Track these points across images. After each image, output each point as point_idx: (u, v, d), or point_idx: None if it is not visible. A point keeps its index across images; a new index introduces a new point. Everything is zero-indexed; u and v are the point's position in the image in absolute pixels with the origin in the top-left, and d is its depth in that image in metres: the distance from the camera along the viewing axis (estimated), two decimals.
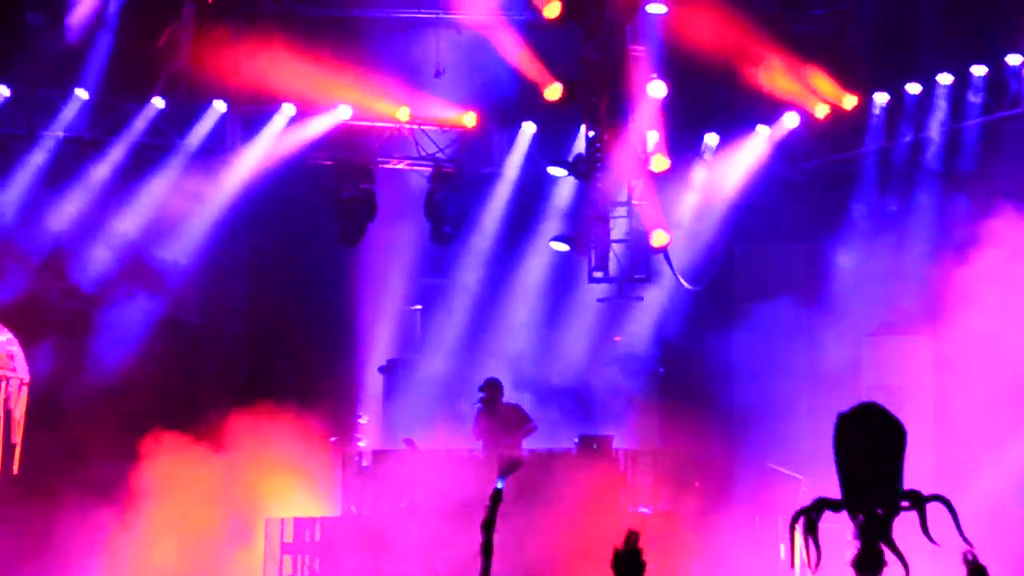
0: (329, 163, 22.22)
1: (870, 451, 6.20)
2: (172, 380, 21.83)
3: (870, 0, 19.00)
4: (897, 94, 20.33)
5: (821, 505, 6.31)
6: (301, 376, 22.22)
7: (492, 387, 19.70)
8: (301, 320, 22.54)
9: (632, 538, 5.91)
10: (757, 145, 22.01)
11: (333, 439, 21.15)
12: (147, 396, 21.00)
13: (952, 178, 19.86)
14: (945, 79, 19.62)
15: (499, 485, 9.33)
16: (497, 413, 19.49)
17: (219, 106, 21.61)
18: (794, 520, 6.26)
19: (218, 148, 21.86)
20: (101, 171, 21.20)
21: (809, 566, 6.31)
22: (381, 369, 22.76)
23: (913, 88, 20.13)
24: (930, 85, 19.87)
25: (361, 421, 22.38)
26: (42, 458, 20.24)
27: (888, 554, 6.25)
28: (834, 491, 6.72)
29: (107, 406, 20.71)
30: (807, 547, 6.21)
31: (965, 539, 6.15)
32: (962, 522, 6.24)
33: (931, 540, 6.20)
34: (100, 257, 21.20)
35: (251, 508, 20.07)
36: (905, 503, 6.31)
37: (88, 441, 20.37)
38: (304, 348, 22.64)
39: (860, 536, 6.34)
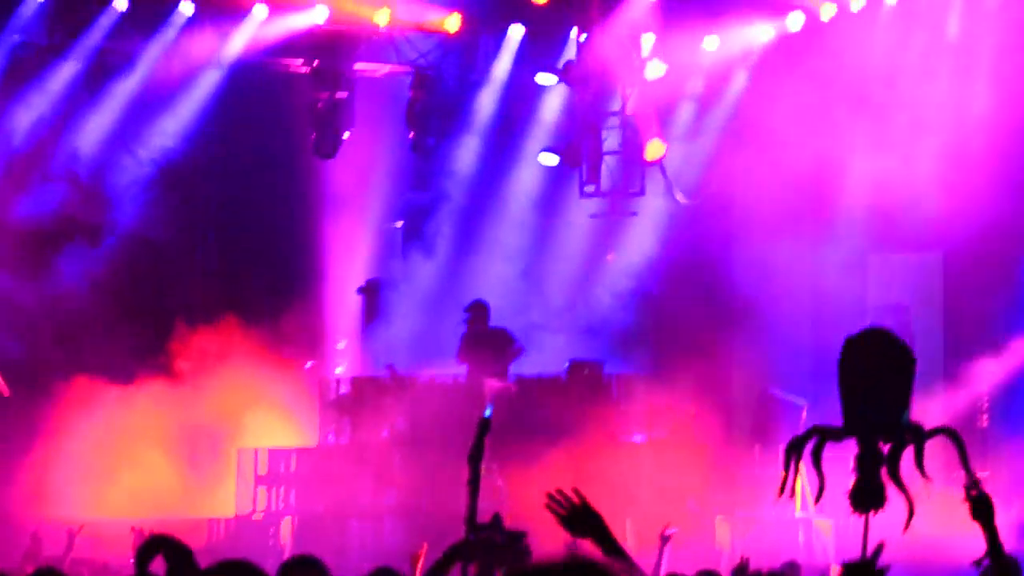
0: (304, 69, 21.93)
1: (876, 379, 6.06)
2: (139, 298, 21.69)
3: None
4: None
5: (817, 433, 6.18)
6: (274, 295, 22.01)
7: (478, 309, 19.56)
8: (273, 236, 22.32)
9: (575, 506, 5.65)
10: (760, 47, 21.65)
11: (309, 364, 21.06)
12: (115, 314, 20.85)
13: None
14: None
15: (487, 414, 9.21)
16: (483, 336, 19.38)
17: (185, 8, 21.30)
18: (789, 448, 6.14)
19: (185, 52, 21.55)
20: (61, 77, 20.91)
21: (792, 495, 6.18)
22: (360, 290, 22.57)
23: None
24: None
25: (339, 346, 22.26)
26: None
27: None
28: (838, 417, 6.57)
29: (78, 326, 20.59)
30: (795, 476, 6.08)
31: (971, 473, 6.03)
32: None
33: (924, 475, 6.08)
34: (61, 172, 21.00)
35: (222, 436, 20.01)
36: (908, 436, 6.17)
37: (57, 360, 20.29)
38: (277, 265, 22.47)
39: (858, 468, 6.20)
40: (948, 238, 19.58)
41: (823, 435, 6.20)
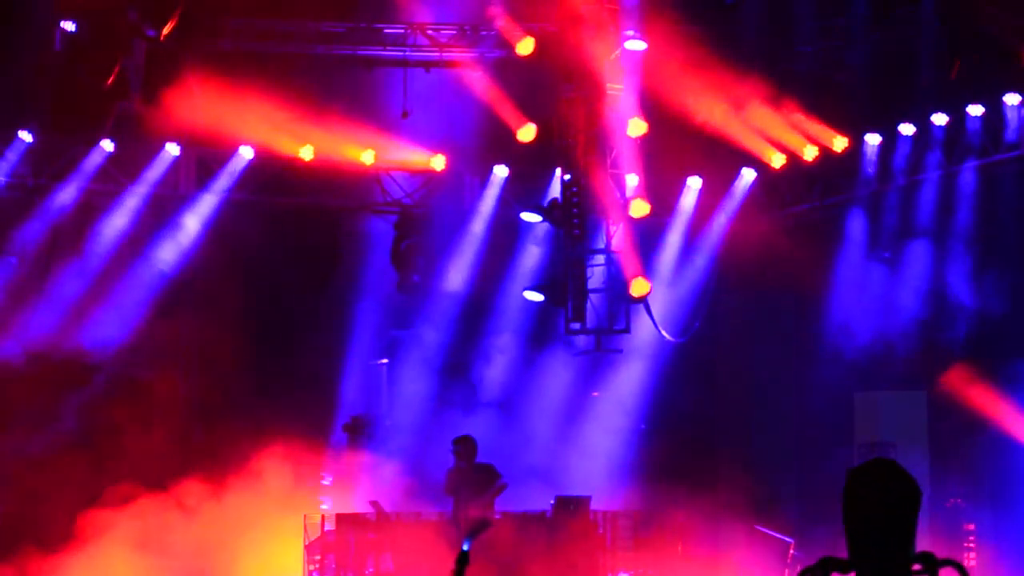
0: (290, 208, 22.04)
1: (881, 510, 6.00)
2: (124, 440, 21.51)
3: (861, 37, 18.92)
4: (890, 135, 20.26)
5: (827, 564, 6.10)
6: (259, 431, 21.91)
7: (465, 443, 19.49)
8: (258, 375, 22.27)
9: None
10: (742, 189, 21.94)
11: (327, 480, 20.95)
12: (101, 454, 20.69)
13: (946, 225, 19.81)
14: (940, 119, 19.56)
15: (465, 547, 9.13)
16: (469, 471, 19.27)
17: (172, 149, 21.44)
18: None
19: (172, 192, 21.66)
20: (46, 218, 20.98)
21: None
22: (344, 427, 22.50)
23: (906, 129, 20.06)
24: (925, 125, 19.82)
25: (324, 482, 22.10)
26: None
27: None
28: (827, 553, 6.52)
29: (68, 461, 20.43)
30: None
31: None
32: None
33: None
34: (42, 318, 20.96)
35: (209, 571, 19.78)
36: (917, 566, 6.11)
37: (46, 492, 20.11)
38: (261, 406, 22.37)
39: None
40: (933, 375, 19.61)
41: (832, 567, 6.11)
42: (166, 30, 20.02)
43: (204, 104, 20.81)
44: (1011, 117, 18.66)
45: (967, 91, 18.50)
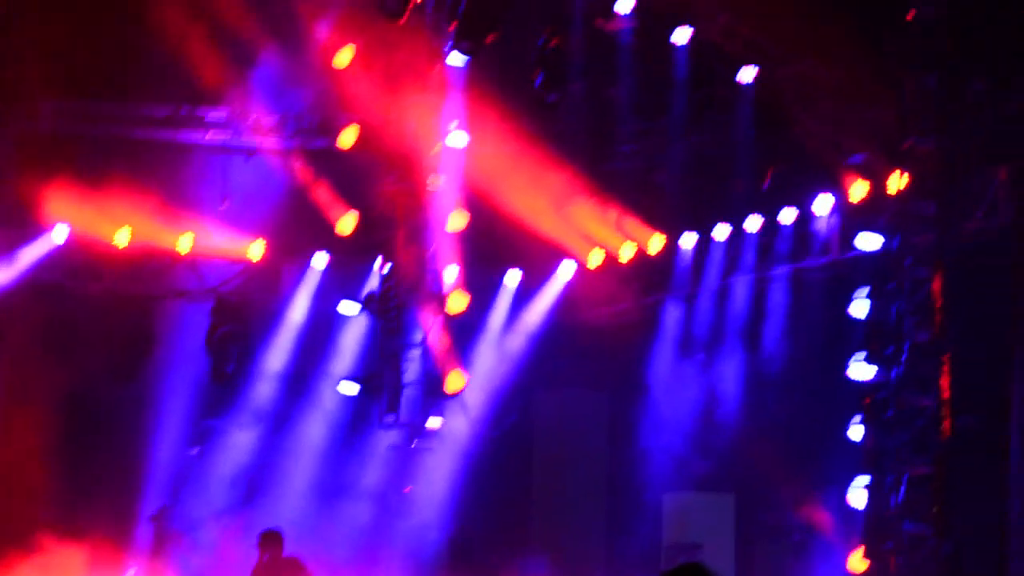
0: (102, 293, 21.73)
1: None
2: None
3: (680, 139, 19.25)
4: (705, 237, 20.58)
5: None
6: (63, 526, 21.45)
7: (271, 538, 19.22)
8: (64, 464, 21.82)
9: None
10: (560, 285, 22.11)
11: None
12: None
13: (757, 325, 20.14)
14: (754, 223, 19.92)
15: None
16: (275, 565, 18.99)
17: None
18: None
19: None
20: None
21: None
22: (151, 517, 22.13)
23: (721, 231, 20.40)
24: (739, 229, 20.18)
25: (128, 574, 21.69)
26: None
27: None
28: None
29: None
30: None
31: None
32: None
33: None
34: None
35: None
36: None
37: None
38: (69, 493, 21.91)
39: None
40: (741, 478, 19.84)
41: None
42: None
43: (18, 185, 20.51)
44: (821, 223, 19.07)
45: (780, 196, 18.89)
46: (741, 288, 20.27)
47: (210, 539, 21.93)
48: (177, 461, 22.89)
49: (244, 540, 20.59)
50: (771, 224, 19.68)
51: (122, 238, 21.28)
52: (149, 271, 21.94)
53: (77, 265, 21.85)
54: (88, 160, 20.83)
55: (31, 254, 21.41)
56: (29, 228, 21.26)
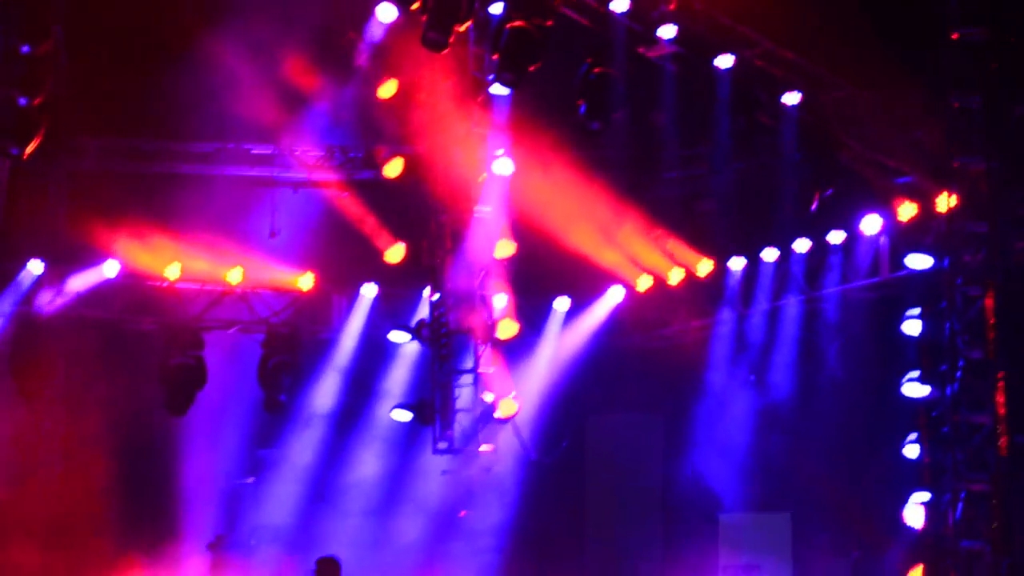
0: (155, 327, 21.89)
1: None
2: None
3: (725, 164, 19.30)
4: (753, 260, 20.63)
5: None
6: (125, 550, 21.64)
7: (327, 565, 19.32)
8: (122, 495, 21.99)
9: None
10: (609, 310, 22.19)
11: None
12: None
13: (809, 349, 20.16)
14: (802, 246, 19.96)
15: None
16: None
17: (35, 267, 21.23)
18: None
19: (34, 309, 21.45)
20: None
21: None
22: (208, 546, 22.28)
23: (769, 254, 20.44)
24: (787, 251, 20.21)
25: None
26: None
27: None
28: None
29: None
30: None
31: None
32: None
33: None
34: None
35: None
36: None
37: None
38: (127, 523, 22.08)
39: None
40: (796, 498, 19.87)
41: None
42: (29, 148, 19.88)
43: (68, 223, 20.67)
44: (868, 245, 19.11)
45: (828, 219, 18.92)
46: (792, 309, 20.32)
47: (266, 567, 22.07)
48: (232, 490, 23.04)
49: (300, 568, 20.72)
50: (820, 246, 19.72)
51: (173, 272, 21.45)
52: (200, 304, 22.10)
53: (129, 300, 22.02)
54: (138, 196, 20.98)
55: (84, 289, 21.59)
56: (81, 264, 21.44)
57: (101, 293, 21.93)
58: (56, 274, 21.61)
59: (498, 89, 19.19)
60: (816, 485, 19.29)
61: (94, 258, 21.31)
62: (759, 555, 20.65)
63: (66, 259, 21.35)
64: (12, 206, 20.47)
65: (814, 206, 18.18)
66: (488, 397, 20.73)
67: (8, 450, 21.45)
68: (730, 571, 20.30)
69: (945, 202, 17.41)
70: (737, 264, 20.85)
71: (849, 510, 19.44)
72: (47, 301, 21.64)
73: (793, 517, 20.50)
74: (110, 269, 21.42)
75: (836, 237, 19.39)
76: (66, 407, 21.92)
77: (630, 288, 21.82)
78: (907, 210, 18.05)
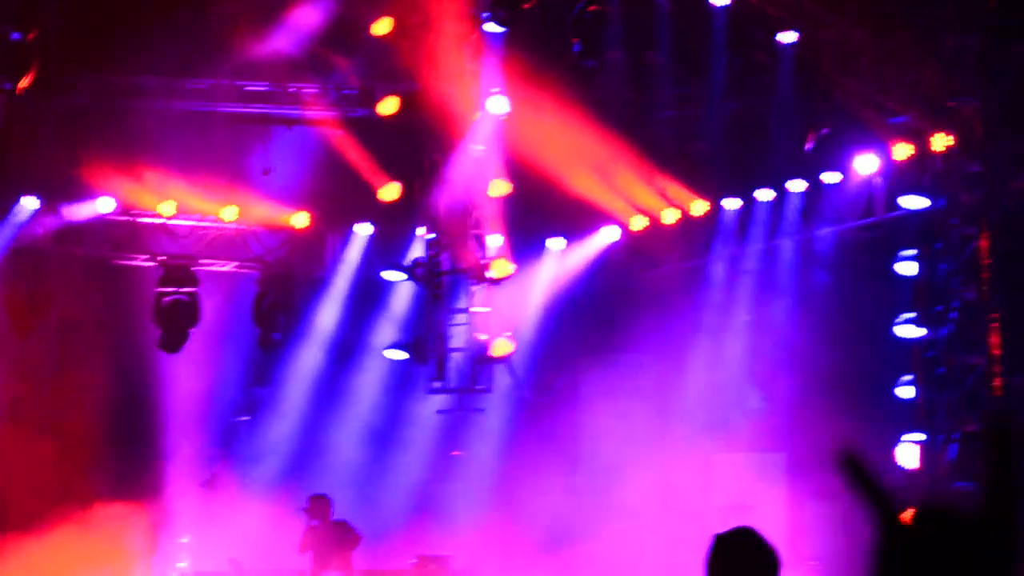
0: (149, 264, 21.85)
1: None
2: None
3: (720, 103, 19.21)
4: (748, 200, 20.57)
5: None
6: (117, 489, 21.64)
7: (318, 503, 19.37)
8: (117, 431, 22.00)
9: None
10: (603, 250, 22.15)
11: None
12: None
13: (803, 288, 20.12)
14: (797, 186, 19.90)
15: None
16: (325, 529, 19.16)
17: (29, 203, 21.17)
18: None
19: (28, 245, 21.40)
20: None
21: None
22: (203, 483, 22.31)
23: (764, 195, 20.38)
24: (782, 191, 20.15)
25: (182, 540, 21.86)
26: None
27: None
28: None
29: None
30: None
31: None
32: None
33: None
34: None
35: None
36: None
37: None
38: (120, 461, 22.09)
39: None
40: (790, 438, 19.87)
41: None
42: (23, 83, 19.77)
43: (63, 158, 20.59)
44: (863, 186, 19.04)
45: (823, 159, 18.84)
46: (786, 250, 20.27)
47: (260, 505, 22.09)
48: (227, 428, 23.06)
49: (294, 506, 20.75)
50: (814, 186, 19.66)
51: (167, 209, 21.40)
52: (195, 242, 22.05)
53: (123, 236, 21.97)
54: (132, 133, 20.90)
55: (78, 225, 21.54)
56: (76, 200, 21.37)
57: (95, 229, 21.90)
58: (50, 210, 21.55)
59: (492, 27, 19.08)
60: (810, 426, 19.28)
61: (88, 194, 21.25)
62: (752, 496, 20.68)
63: (60, 195, 21.29)
64: (6, 142, 20.38)
65: (809, 146, 18.11)
66: (482, 337, 20.71)
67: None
68: (723, 511, 20.31)
69: (941, 142, 17.36)
70: (732, 204, 20.80)
71: (843, 451, 19.38)
72: (41, 237, 21.60)
73: (787, 458, 20.51)
74: (104, 205, 21.37)
75: (831, 177, 19.32)
76: (59, 343, 21.91)
77: (624, 228, 21.78)
78: (902, 150, 17.98)
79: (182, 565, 21.37)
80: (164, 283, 21.87)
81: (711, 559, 6.28)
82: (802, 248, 20.04)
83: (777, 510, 20.33)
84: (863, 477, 4.95)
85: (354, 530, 19.24)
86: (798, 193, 19.93)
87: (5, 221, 21.29)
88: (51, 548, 19.54)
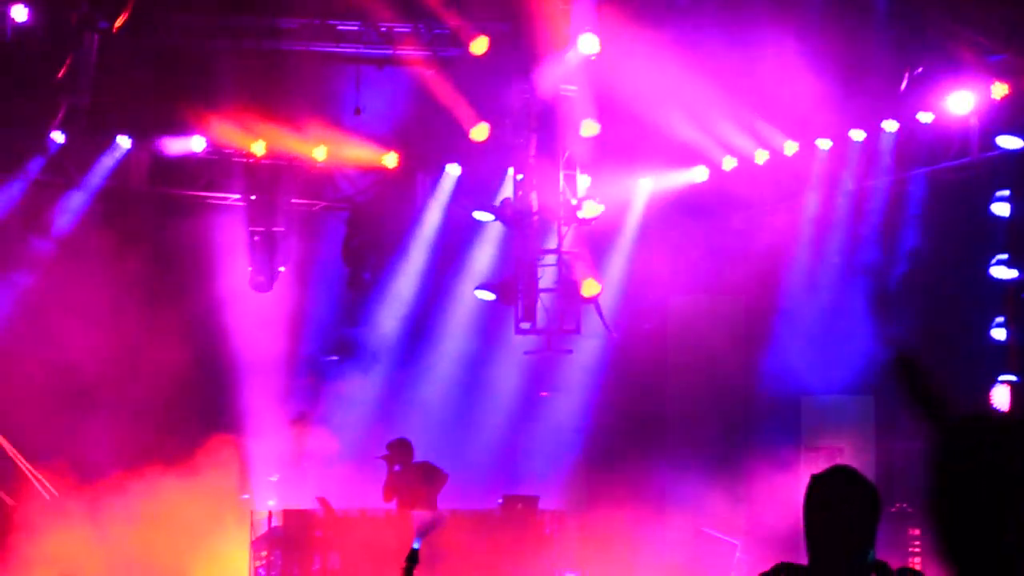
0: (240, 203, 21.91)
1: (844, 517, 6.00)
2: (63, 439, 21.28)
3: (815, 41, 18.94)
4: (840, 141, 20.31)
5: (783, 570, 6.09)
6: (205, 427, 21.78)
7: (399, 447, 19.37)
8: (208, 370, 22.12)
9: None
10: (693, 191, 21.97)
11: (245, 496, 20.78)
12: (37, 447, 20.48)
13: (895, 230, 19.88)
14: (890, 125, 19.62)
15: (415, 546, 9.17)
16: (407, 473, 19.18)
17: (123, 142, 21.27)
18: None
19: (123, 184, 21.53)
20: None
21: None
22: (292, 422, 22.40)
23: (857, 134, 20.12)
24: (875, 131, 19.87)
25: (271, 479, 21.98)
26: None
27: None
28: (774, 557, 6.52)
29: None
30: None
31: None
32: None
33: None
34: None
35: (154, 570, 19.62)
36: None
37: None
38: (210, 401, 22.22)
39: None
40: (880, 380, 19.67)
41: (789, 573, 6.09)
42: (118, 23, 19.84)
43: (156, 98, 20.67)
44: (958, 125, 18.74)
45: (918, 98, 18.55)
46: (879, 190, 20.02)
47: (347, 444, 22.17)
48: (316, 367, 23.13)
49: (382, 447, 20.80)
50: (908, 126, 19.37)
51: (258, 149, 21.44)
52: (285, 181, 22.09)
53: (215, 176, 22.05)
54: (224, 72, 20.93)
55: (170, 164, 21.65)
56: (166, 140, 21.46)
57: (187, 168, 21.99)
58: (143, 149, 21.65)
59: None
60: (901, 367, 19.07)
61: (181, 133, 21.33)
62: (842, 438, 20.53)
63: (153, 134, 21.38)
64: (101, 81, 20.49)
65: (903, 85, 17.84)
66: (571, 277, 20.59)
67: (92, 328, 21.58)
68: (812, 454, 20.18)
69: None
70: (824, 144, 20.55)
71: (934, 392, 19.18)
72: (134, 175, 21.71)
73: (876, 400, 20.33)
74: (197, 144, 21.44)
75: (925, 117, 19.02)
76: (150, 282, 22.04)
77: (715, 168, 21.58)
78: (999, 89, 17.67)
79: (271, 503, 21.49)
80: (255, 222, 21.92)
81: (808, 500, 6.15)
82: (895, 189, 19.79)
83: (866, 452, 20.17)
84: (915, 382, 4.82)
85: (440, 469, 19.26)
86: (891, 133, 19.65)
87: (99, 160, 21.42)
88: (147, 488, 19.72)
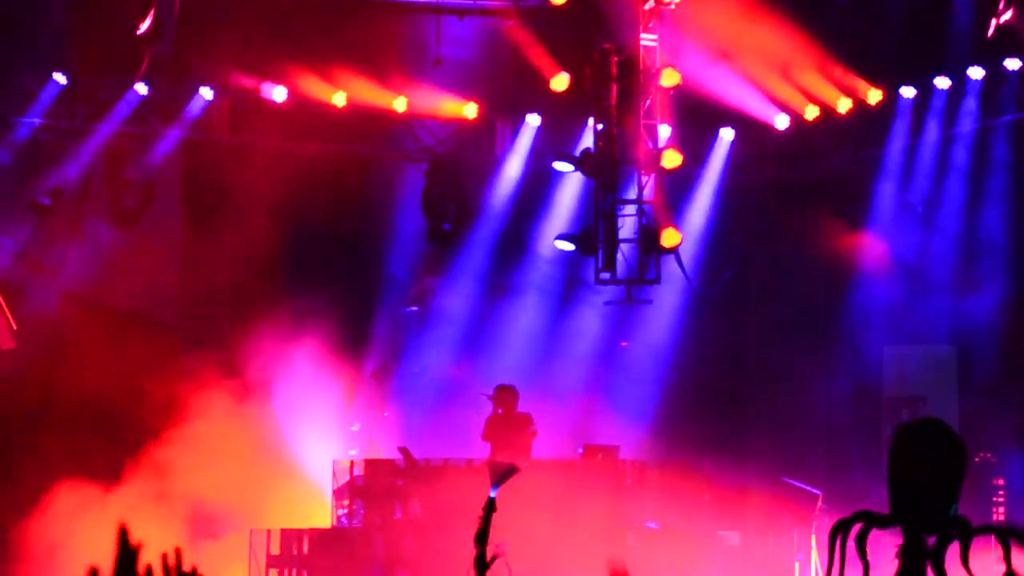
0: (322, 154, 21.91)
1: (930, 467, 5.88)
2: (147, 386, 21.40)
3: None
4: (925, 89, 20.02)
5: (864, 518, 5.98)
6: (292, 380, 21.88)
7: (506, 392, 19.39)
8: (287, 321, 22.16)
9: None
10: (776, 140, 21.74)
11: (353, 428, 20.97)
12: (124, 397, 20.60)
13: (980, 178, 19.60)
14: (976, 73, 19.31)
15: (492, 495, 9.14)
16: (508, 419, 19.21)
17: (206, 93, 21.30)
18: (835, 530, 5.93)
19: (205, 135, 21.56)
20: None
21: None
22: (373, 373, 22.42)
23: (942, 82, 19.82)
24: (961, 79, 19.56)
25: (352, 429, 22.05)
26: None
27: None
28: (856, 507, 6.41)
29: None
30: (840, 557, 5.89)
31: (1013, 573, 5.83)
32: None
33: (968, 572, 5.87)
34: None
35: (235, 514, 19.73)
36: (954, 531, 5.98)
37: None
38: (290, 351, 22.28)
39: (902, 558, 6.00)
40: (964, 330, 19.45)
41: (869, 521, 6.00)
42: None
43: (238, 49, 20.69)
44: None
45: (1004, 46, 18.25)
46: (963, 139, 19.74)
47: (431, 395, 22.20)
48: (397, 317, 23.14)
49: (462, 397, 20.81)
50: (994, 74, 19.05)
51: (340, 100, 21.40)
52: (367, 132, 22.05)
53: (296, 127, 22.03)
54: (304, 24, 20.91)
55: (251, 115, 21.64)
56: (249, 90, 21.46)
57: (268, 119, 21.98)
58: (224, 100, 21.66)
59: None
60: (983, 320, 18.89)
61: (262, 84, 21.32)
62: (924, 389, 20.34)
63: (235, 85, 21.39)
64: (182, 31, 20.53)
65: (990, 32, 17.54)
66: (651, 227, 20.49)
67: (178, 279, 21.71)
68: (894, 403, 20.01)
69: None
70: (908, 92, 20.28)
71: (1017, 347, 19.01)
72: (216, 127, 21.74)
73: (960, 351, 20.12)
74: (278, 95, 21.42)
75: (1012, 64, 18.71)
76: (233, 232, 22.10)
77: (797, 117, 21.35)
78: None
79: (353, 452, 21.57)
80: (336, 175, 21.91)
81: (894, 448, 6.03)
82: (979, 138, 19.50)
83: (949, 403, 19.98)
84: None
85: (534, 423, 19.28)
86: (977, 80, 19.35)
87: (182, 112, 21.46)
88: (217, 432, 19.84)
